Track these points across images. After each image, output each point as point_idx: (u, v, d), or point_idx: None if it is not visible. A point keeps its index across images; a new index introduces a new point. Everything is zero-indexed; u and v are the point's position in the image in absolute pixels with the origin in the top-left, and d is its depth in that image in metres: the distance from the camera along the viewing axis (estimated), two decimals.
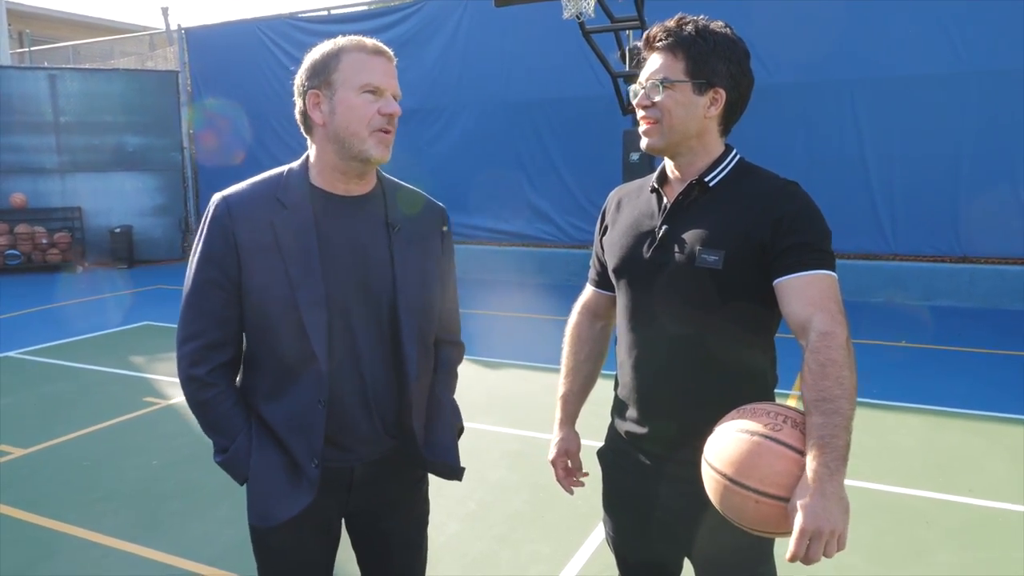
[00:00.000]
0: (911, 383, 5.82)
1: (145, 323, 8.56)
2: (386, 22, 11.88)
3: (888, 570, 3.14)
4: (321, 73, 1.61)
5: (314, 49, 1.66)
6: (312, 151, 1.70)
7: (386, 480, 1.80)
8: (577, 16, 7.32)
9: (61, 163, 13.15)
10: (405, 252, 1.72)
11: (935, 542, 3.39)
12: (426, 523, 1.96)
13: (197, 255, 1.65)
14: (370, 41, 1.64)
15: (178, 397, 5.72)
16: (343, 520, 1.86)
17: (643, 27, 7.78)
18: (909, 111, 9.03)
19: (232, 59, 13.27)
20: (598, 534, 3.49)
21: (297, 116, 1.70)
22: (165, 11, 14.71)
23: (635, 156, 8.67)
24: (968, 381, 5.91)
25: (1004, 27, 8.48)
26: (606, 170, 10.00)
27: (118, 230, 13.08)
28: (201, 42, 13.83)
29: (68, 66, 14.84)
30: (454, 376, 1.94)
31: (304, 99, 1.65)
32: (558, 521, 3.65)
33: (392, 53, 1.67)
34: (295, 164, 1.72)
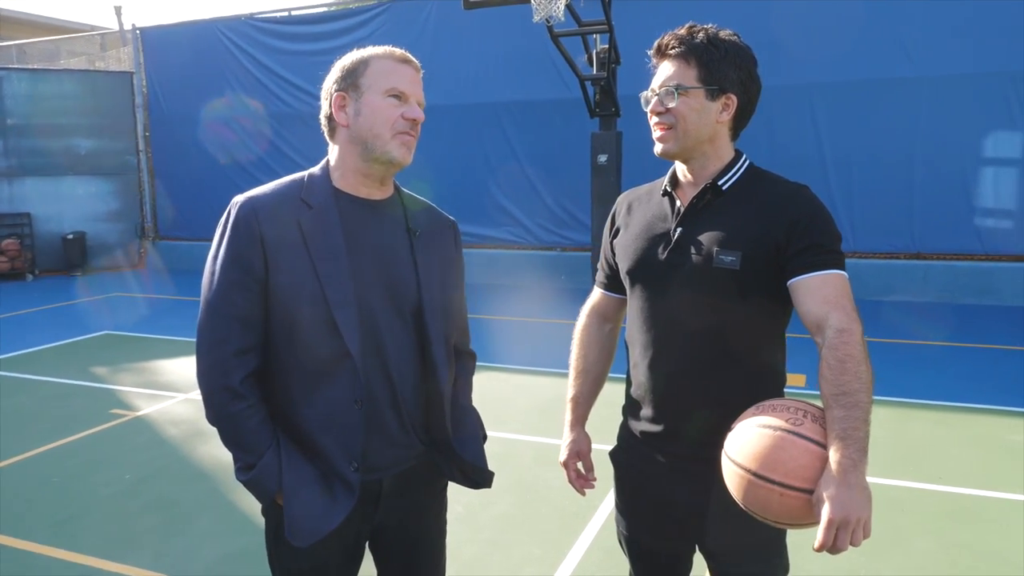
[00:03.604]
0: (876, 376, 5.97)
1: (105, 332, 8.34)
2: (349, 24, 11.76)
3: (870, 558, 3.24)
4: (349, 77, 1.65)
5: (345, 56, 1.69)
6: (334, 155, 1.71)
7: (413, 492, 1.80)
8: (547, 19, 7.37)
9: (8, 167, 12.71)
10: (426, 257, 1.75)
11: (911, 529, 3.51)
12: (446, 534, 1.96)
13: (221, 257, 1.61)
14: (399, 51, 1.69)
15: (146, 408, 5.60)
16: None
17: (610, 31, 7.88)
18: (866, 115, 9.31)
19: (190, 60, 13.01)
20: (588, 534, 3.53)
21: (322, 120, 1.72)
22: (118, 10, 14.31)
23: (603, 158, 8.76)
24: (930, 373, 6.12)
25: (954, 33, 8.79)
26: (574, 173, 10.10)
27: (70, 236, 12.70)
28: (157, 43, 13.52)
29: (14, 66, 14.38)
30: (471, 385, 1.96)
31: (330, 101, 1.67)
32: (547, 522, 3.68)
33: (419, 64, 1.71)
34: (315, 169, 1.73)
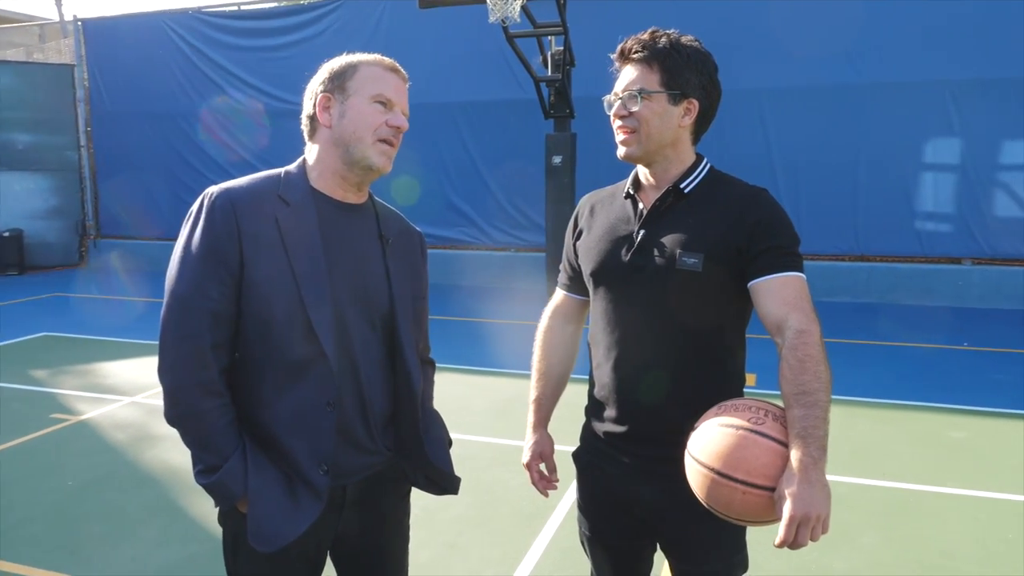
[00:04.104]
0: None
1: (43, 334, 8.07)
2: (301, 20, 11.58)
3: (820, 553, 3.32)
4: (337, 79, 1.66)
5: (333, 59, 1.70)
6: (312, 155, 1.70)
7: (376, 498, 1.78)
8: (502, 20, 7.37)
9: None
10: (397, 265, 1.76)
11: (859, 524, 3.61)
12: (408, 540, 1.95)
13: (194, 249, 1.55)
14: (389, 59, 1.71)
15: (89, 412, 5.44)
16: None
17: (565, 33, 7.93)
18: (812, 120, 9.56)
19: (135, 54, 12.64)
20: (545, 535, 3.54)
21: (303, 119, 1.71)
22: (59, 1, 13.87)
23: (557, 159, 8.80)
24: (874, 372, 6.30)
25: (896, 42, 9.08)
26: (528, 173, 10.11)
27: (7, 234, 12.28)
28: (100, 35, 13.11)
29: None
30: (432, 392, 1.97)
31: (315, 101, 1.66)
32: (504, 524, 3.68)
33: (407, 75, 1.74)
34: (291, 167, 1.71)
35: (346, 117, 1.63)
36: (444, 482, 1.84)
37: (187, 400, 1.55)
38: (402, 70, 1.73)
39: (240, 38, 11.82)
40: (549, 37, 8.45)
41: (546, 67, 8.70)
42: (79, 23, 13.20)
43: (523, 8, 7.39)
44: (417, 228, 1.93)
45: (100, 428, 5.13)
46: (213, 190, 1.59)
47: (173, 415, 1.58)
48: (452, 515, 3.75)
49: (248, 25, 11.88)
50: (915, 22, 8.97)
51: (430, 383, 1.96)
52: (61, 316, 9.05)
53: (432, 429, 1.86)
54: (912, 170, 9.41)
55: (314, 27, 11.43)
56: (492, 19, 7.35)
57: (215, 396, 1.56)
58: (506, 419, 5.08)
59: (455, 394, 5.46)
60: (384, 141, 1.66)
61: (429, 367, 1.98)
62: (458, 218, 11.21)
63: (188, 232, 1.58)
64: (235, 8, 12.23)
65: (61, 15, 13.71)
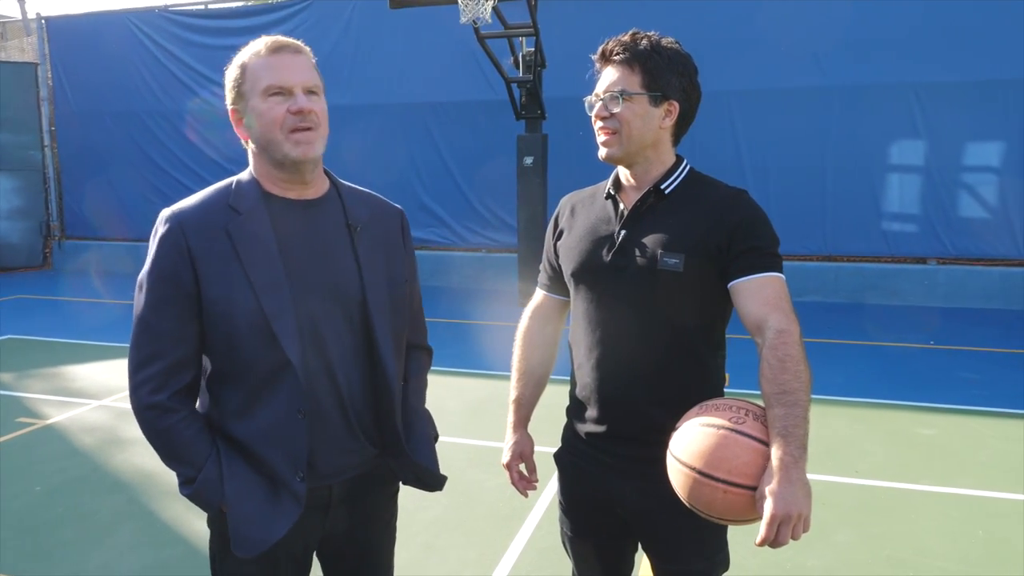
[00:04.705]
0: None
1: (8, 336, 7.90)
2: (269, 20, 11.47)
3: (795, 551, 3.36)
4: (234, 88, 1.59)
5: (230, 66, 1.63)
6: (251, 163, 1.66)
7: (363, 498, 1.76)
8: (473, 21, 7.36)
9: None
10: (370, 253, 1.70)
11: (833, 522, 3.66)
12: (395, 540, 1.93)
13: (147, 275, 1.57)
14: (269, 40, 1.59)
15: (57, 416, 5.33)
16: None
17: (536, 35, 7.94)
18: (781, 122, 9.68)
19: (100, 52, 12.42)
20: (522, 536, 3.54)
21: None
22: None
23: (528, 160, 8.82)
24: (844, 371, 6.39)
25: (861, 45, 9.23)
26: (500, 174, 10.11)
27: None
28: (64, 33, 12.87)
29: None
30: (424, 383, 1.93)
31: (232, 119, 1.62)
32: (481, 525, 3.67)
33: (299, 44, 1.61)
34: (243, 173, 1.67)
35: (253, 124, 1.57)
36: (428, 479, 1.82)
37: (148, 420, 1.58)
38: (290, 42, 1.59)
39: (207, 37, 11.65)
40: (520, 38, 8.46)
41: (517, 68, 8.71)
42: (42, 21, 12.94)
43: (494, 9, 7.38)
44: (397, 206, 1.86)
45: (68, 432, 5.03)
46: (164, 213, 1.59)
47: (144, 433, 1.61)
48: (429, 516, 3.73)
49: (216, 24, 11.72)
50: (882, 25, 9.12)
51: (420, 372, 1.90)
52: (26, 319, 8.85)
53: (417, 424, 1.82)
54: (879, 171, 9.57)
55: (283, 27, 11.29)
56: (463, 20, 7.34)
57: (173, 412, 1.57)
58: (480, 420, 5.08)
59: (431, 395, 5.43)
60: (295, 131, 1.55)
61: (423, 353, 1.92)
62: (429, 219, 11.16)
63: (148, 257, 1.59)
64: (202, 7, 12.08)
65: (24, 12, 13.44)
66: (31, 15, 13.22)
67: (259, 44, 1.58)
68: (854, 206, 9.59)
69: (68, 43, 12.85)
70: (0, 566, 3.33)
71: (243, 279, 1.55)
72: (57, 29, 12.94)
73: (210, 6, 12.03)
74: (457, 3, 7.36)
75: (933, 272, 9.47)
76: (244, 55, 1.59)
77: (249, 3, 12.11)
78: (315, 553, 1.80)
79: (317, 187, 1.69)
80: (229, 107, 1.61)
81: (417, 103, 10.90)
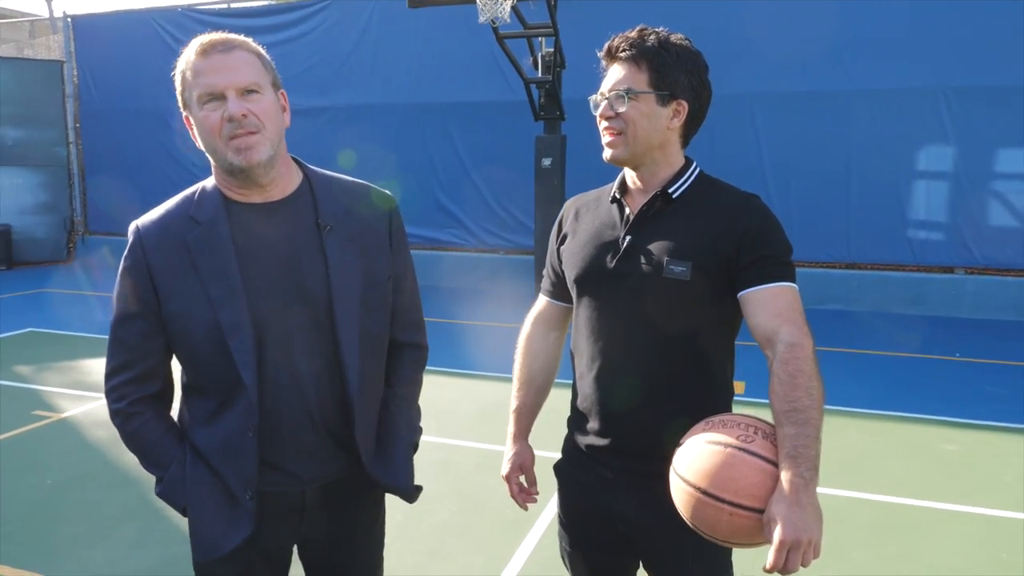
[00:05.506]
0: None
1: (29, 329, 7.98)
2: (290, 19, 11.52)
3: (809, 570, 3.24)
4: (181, 96, 1.53)
5: None
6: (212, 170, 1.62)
7: (342, 504, 1.71)
8: (492, 21, 7.31)
9: None
10: (341, 252, 1.60)
11: (848, 539, 3.55)
12: (383, 546, 1.88)
13: (116, 288, 1.59)
14: (197, 41, 1.50)
15: (71, 410, 5.36)
16: (296, 547, 1.77)
17: (556, 34, 7.87)
18: (804, 126, 9.50)
19: (124, 51, 12.54)
20: (529, 542, 3.48)
21: None
22: None
23: (547, 162, 8.75)
24: (865, 382, 6.24)
25: (889, 47, 9.03)
26: (518, 176, 10.05)
27: None
28: (89, 31, 13.00)
29: None
30: (413, 384, 1.83)
31: None
32: (487, 531, 3.61)
33: (233, 39, 1.50)
34: (207, 180, 1.62)
35: (198, 132, 1.52)
36: (395, 493, 1.76)
37: (118, 426, 1.63)
38: (219, 39, 1.49)
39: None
40: (539, 38, 8.41)
41: (536, 68, 8.65)
42: (68, 19, 13.11)
43: (513, 8, 7.33)
44: (386, 194, 1.75)
45: (82, 426, 5.06)
46: (131, 226, 1.59)
47: (123, 441, 1.66)
48: (435, 521, 3.68)
49: (237, 23, 11.74)
50: (909, 27, 8.92)
51: (406, 370, 1.80)
52: (47, 312, 8.96)
53: (391, 432, 1.74)
54: (905, 177, 9.36)
55: (303, 25, 11.35)
56: (482, 19, 7.29)
57: (137, 416, 1.61)
58: (492, 423, 5.02)
59: (442, 397, 5.39)
60: (233, 138, 1.47)
61: (410, 351, 1.81)
62: (447, 219, 11.12)
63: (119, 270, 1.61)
64: (224, 6, 12.16)
65: (51, 11, 13.57)
66: (57, 14, 13.34)
67: (188, 50, 1.50)
68: (879, 213, 9.38)
69: (93, 41, 12.98)
70: (6, 559, 3.33)
71: (201, 293, 1.52)
72: (82, 27, 13.08)
73: (232, 5, 12.11)
74: (475, 3, 7.31)
75: (960, 282, 9.25)
76: (181, 61, 1.51)
77: (270, 2, 12.15)
78: (299, 556, 1.79)
79: (282, 186, 1.60)
80: (184, 116, 1.55)
81: (436, 103, 10.85)
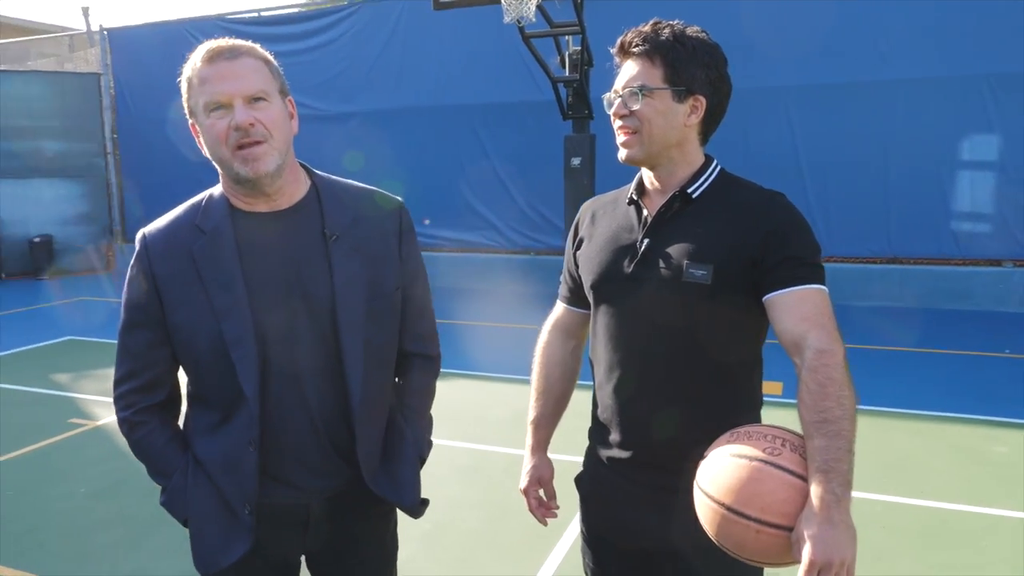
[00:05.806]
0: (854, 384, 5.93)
1: (68, 338, 8.13)
2: (320, 25, 11.61)
3: None
4: (187, 103, 1.51)
5: None
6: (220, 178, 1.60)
7: (348, 516, 1.67)
8: (518, 21, 7.25)
9: None
10: (347, 261, 1.56)
11: (895, 547, 3.40)
12: (395, 559, 1.83)
13: (124, 297, 1.59)
14: (204, 48, 1.47)
15: (106, 418, 5.43)
16: (303, 558, 1.74)
17: (582, 33, 7.78)
18: (841, 118, 9.25)
19: (159, 62, 12.72)
20: (558, 553, 3.40)
21: None
22: (86, 11, 14.07)
23: (576, 161, 8.67)
24: (908, 381, 6.04)
25: (928, 35, 8.77)
26: (547, 176, 9.99)
27: (37, 239, 12.45)
28: (124, 44, 13.28)
29: None
30: (423, 395, 1.78)
31: None
32: (516, 540, 3.54)
33: (240, 45, 1.48)
34: (215, 188, 1.59)
35: (205, 141, 1.49)
36: (400, 509, 1.72)
37: (125, 433, 1.62)
38: (226, 45, 1.46)
39: (261, 44, 11.76)
40: (566, 37, 8.32)
41: (563, 67, 8.57)
42: (105, 32, 13.38)
43: (539, 8, 7.27)
44: (397, 200, 1.70)
45: (116, 434, 5.09)
46: (138, 234, 1.58)
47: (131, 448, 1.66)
48: (463, 529, 3.62)
49: (268, 31, 11.88)
50: (950, 12, 8.64)
51: (416, 381, 1.76)
52: (86, 320, 9.10)
53: (398, 446, 1.69)
54: (947, 168, 9.06)
55: (333, 31, 11.43)
56: (507, 19, 7.24)
57: (142, 425, 1.60)
58: (522, 428, 4.88)
59: (472, 401, 5.33)
60: (239, 148, 1.44)
61: (419, 362, 1.77)
62: (476, 220, 11.09)
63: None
64: (255, 15, 12.29)
65: (88, 25, 13.85)
66: (94, 28, 13.62)
67: (193, 58, 1.47)
68: (921, 205, 9.10)
69: (128, 53, 13.23)
70: (39, 567, 3.37)
71: (206, 304, 1.50)
72: (118, 40, 13.34)
73: (263, 13, 12.24)
74: (501, 3, 7.26)
75: (1009, 275, 8.92)
76: (187, 67, 1.48)
77: (300, 10, 12.26)
78: (307, 568, 1.76)
79: (289, 195, 1.57)
80: (190, 123, 1.53)
81: (464, 105, 10.83)
